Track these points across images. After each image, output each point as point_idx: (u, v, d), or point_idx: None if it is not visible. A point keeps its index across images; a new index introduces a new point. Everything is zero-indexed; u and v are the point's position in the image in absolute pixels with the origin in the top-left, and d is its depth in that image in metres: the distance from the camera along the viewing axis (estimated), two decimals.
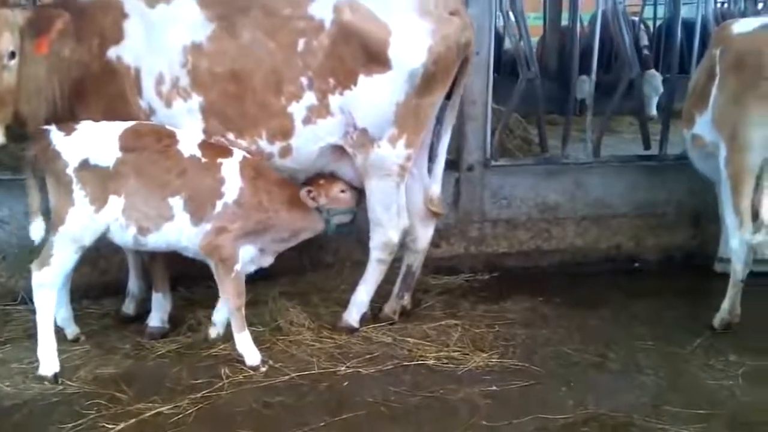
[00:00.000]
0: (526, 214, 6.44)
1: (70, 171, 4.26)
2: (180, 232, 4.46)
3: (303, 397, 4.35)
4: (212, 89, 4.61)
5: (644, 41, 13.98)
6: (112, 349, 4.88)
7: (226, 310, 4.72)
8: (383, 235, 5.02)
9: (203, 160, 4.45)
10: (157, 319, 5.07)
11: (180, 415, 4.10)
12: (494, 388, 4.47)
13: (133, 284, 5.35)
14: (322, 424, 4.07)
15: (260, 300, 5.41)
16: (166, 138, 4.43)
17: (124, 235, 4.42)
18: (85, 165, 4.26)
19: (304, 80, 4.64)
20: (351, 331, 5.12)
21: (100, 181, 4.27)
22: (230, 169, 4.49)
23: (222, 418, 4.12)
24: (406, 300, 5.43)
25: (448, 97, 5.05)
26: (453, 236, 6.32)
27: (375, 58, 4.59)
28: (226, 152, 4.56)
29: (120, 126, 4.38)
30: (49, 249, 4.33)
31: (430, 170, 5.26)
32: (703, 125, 5.36)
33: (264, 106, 4.62)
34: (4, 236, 5.48)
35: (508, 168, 6.40)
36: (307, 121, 4.69)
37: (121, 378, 4.49)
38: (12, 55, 4.35)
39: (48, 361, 4.41)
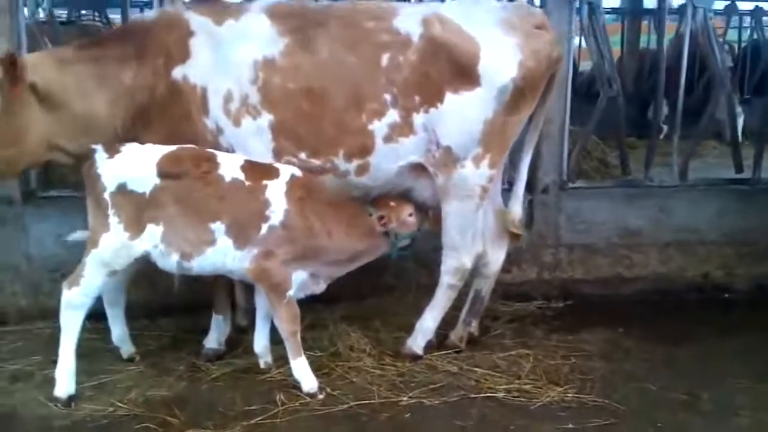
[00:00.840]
0: (605, 239, 6.06)
1: (107, 195, 4.13)
2: (224, 255, 4.26)
3: (362, 427, 4.08)
4: (285, 107, 4.40)
5: (728, 63, 13.45)
6: (166, 371, 4.70)
7: (263, 335, 4.59)
8: (456, 260, 4.74)
9: (246, 183, 4.23)
10: (214, 340, 4.89)
11: None
12: (571, 426, 4.10)
13: (240, 295, 5.18)
14: None
15: (319, 324, 5.21)
16: (206, 162, 4.22)
17: (168, 261, 4.26)
18: (121, 190, 4.12)
19: (387, 97, 4.41)
20: (415, 358, 4.82)
21: (136, 207, 4.12)
22: (275, 190, 4.25)
23: None
24: (474, 327, 5.12)
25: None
26: (525, 261, 6.00)
27: (464, 74, 4.37)
28: (272, 173, 4.30)
29: (160, 151, 4.21)
30: (81, 270, 4.20)
31: (509, 190, 5.04)
32: None
33: (342, 125, 4.41)
34: (64, 254, 5.38)
35: (585, 191, 6.04)
36: (388, 139, 4.47)
37: (173, 401, 4.30)
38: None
39: (64, 382, 4.22)
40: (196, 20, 4.49)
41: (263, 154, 4.46)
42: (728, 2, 13.47)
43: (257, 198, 4.23)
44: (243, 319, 5.26)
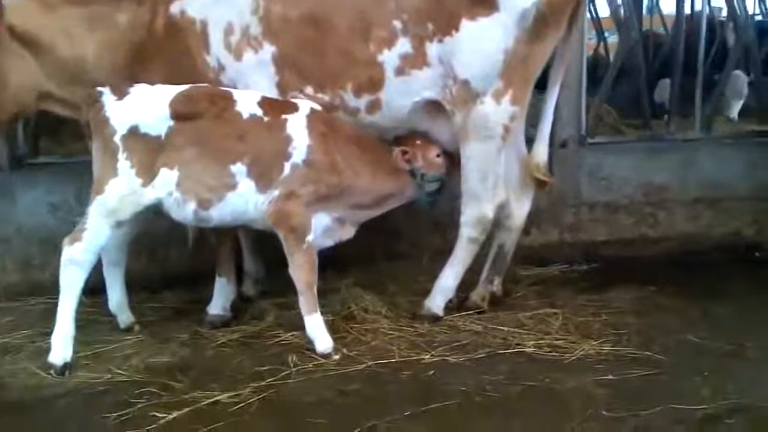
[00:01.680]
0: (629, 197, 5.74)
1: (117, 138, 3.87)
2: (246, 201, 3.99)
3: (383, 386, 3.75)
4: (287, 37, 4.16)
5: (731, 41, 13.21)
6: (168, 339, 4.38)
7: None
8: (477, 209, 4.42)
9: (265, 119, 3.99)
10: (218, 306, 4.58)
11: (241, 404, 3.55)
12: (611, 377, 3.78)
13: (249, 264, 4.97)
14: (407, 413, 3.44)
15: (329, 289, 4.82)
16: (221, 100, 3.99)
17: (183, 211, 3.97)
18: (134, 133, 3.87)
19: (397, 24, 4.12)
20: (434, 319, 4.51)
21: (150, 151, 3.87)
22: (296, 125, 4.01)
23: (289, 407, 3.56)
24: (497, 285, 4.80)
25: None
26: (545, 222, 5.69)
27: None
28: (292, 107, 4.08)
29: (172, 91, 3.97)
30: (83, 222, 3.92)
31: (534, 134, 4.71)
32: None
33: (349, 55, 4.14)
34: (56, 224, 5.09)
35: (606, 146, 5.74)
36: (400, 71, 4.18)
37: (176, 367, 4.00)
38: None
39: (59, 348, 3.90)
40: None
41: (267, 90, 4.25)
42: None
43: (278, 134, 3.98)
44: (251, 287, 5.01)
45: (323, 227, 4.13)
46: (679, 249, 5.81)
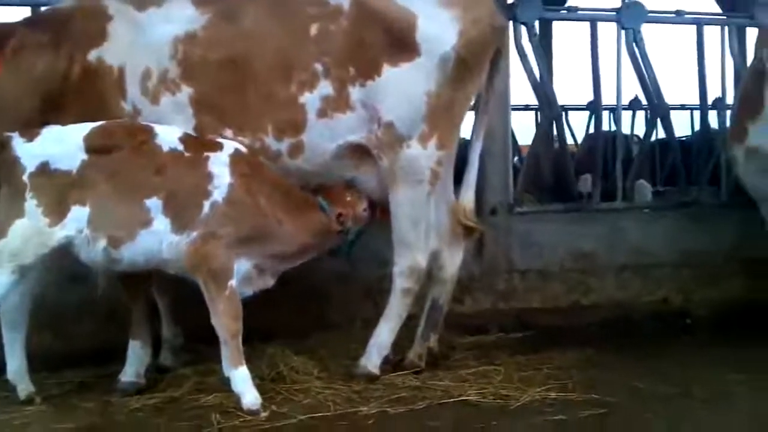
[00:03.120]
0: (559, 263, 5.73)
1: (25, 177, 3.68)
2: (160, 240, 3.76)
3: None
4: (206, 79, 4.11)
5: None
6: (74, 408, 3.92)
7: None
8: (410, 258, 4.30)
9: (186, 154, 3.85)
10: (131, 372, 4.16)
11: None
12: (561, 416, 3.60)
13: (167, 330, 4.63)
14: None
15: (255, 355, 4.40)
16: (141, 133, 3.87)
17: (92, 250, 3.72)
18: (43, 170, 3.70)
19: (318, 66, 4.13)
20: (371, 379, 4.24)
21: (61, 189, 3.69)
22: (219, 163, 3.85)
23: None
24: (433, 342, 4.58)
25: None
26: (478, 290, 5.57)
27: (401, 44, 4.13)
28: (215, 146, 3.95)
29: (87, 126, 3.83)
30: None
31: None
32: (759, 134, 4.86)
33: (270, 96, 4.11)
34: None
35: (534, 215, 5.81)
36: (322, 113, 4.15)
37: (85, 431, 3.55)
38: None
39: None
40: (116, 6, 4.27)
41: None
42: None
43: (198, 171, 3.81)
44: (170, 358, 4.61)
45: (242, 274, 3.88)
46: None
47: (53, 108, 4.12)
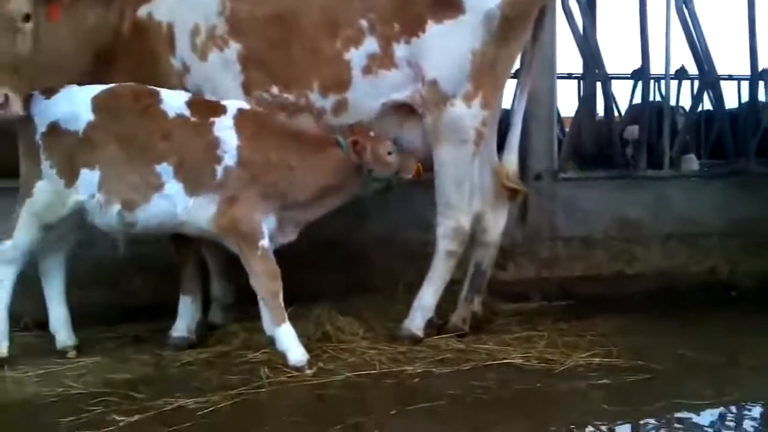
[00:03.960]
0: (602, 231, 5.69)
1: (38, 137, 3.80)
2: (174, 203, 3.82)
3: (364, 391, 3.53)
4: (253, 35, 4.13)
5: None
6: (127, 360, 4.05)
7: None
8: (454, 219, 4.28)
9: (192, 119, 3.87)
10: (182, 328, 4.27)
11: (210, 408, 3.27)
12: (606, 381, 3.61)
13: (216, 289, 4.68)
14: (392, 412, 3.20)
15: (299, 316, 4.39)
16: (146, 97, 3.90)
17: (106, 215, 3.81)
18: (53, 130, 3.79)
19: (364, 23, 4.11)
20: (414, 341, 4.28)
21: (70, 151, 3.78)
22: (224, 126, 3.87)
23: (264, 409, 3.31)
24: (477, 305, 4.59)
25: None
26: (521, 257, 5.56)
27: (445, 1, 4.10)
28: (219, 109, 3.94)
29: (97, 88, 3.90)
30: (15, 222, 3.83)
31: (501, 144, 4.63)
32: None
33: (315, 52, 4.12)
34: None
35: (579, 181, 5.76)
36: (367, 71, 4.14)
37: (138, 381, 3.68)
38: (27, 17, 3.80)
39: None
40: None
41: (233, 91, 4.15)
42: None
43: (205, 136, 3.85)
44: (219, 315, 4.69)
45: (269, 230, 3.90)
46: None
47: (105, 62, 4.21)
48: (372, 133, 4.04)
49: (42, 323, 4.24)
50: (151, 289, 4.87)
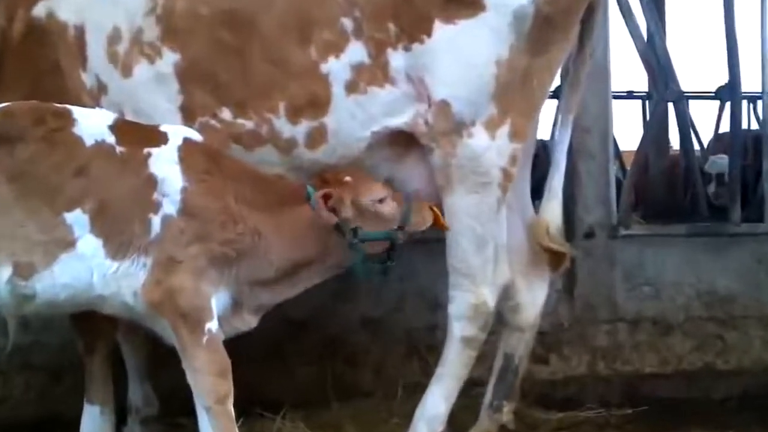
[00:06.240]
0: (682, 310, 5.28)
1: None
2: (89, 268, 3.36)
3: None
4: (196, 41, 3.83)
5: None
6: None
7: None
8: (473, 293, 3.86)
9: (119, 149, 3.45)
10: None
11: None
12: None
13: (136, 392, 4.36)
14: None
15: (255, 430, 4.28)
16: (53, 118, 3.48)
17: None
18: None
19: (347, 22, 3.77)
20: None
21: None
22: (164, 160, 3.47)
23: None
24: (507, 415, 4.14)
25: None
26: (568, 345, 5.19)
27: None
28: (157, 137, 3.55)
29: None
30: None
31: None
32: None
33: (281, 63, 3.80)
34: None
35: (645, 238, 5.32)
36: (352, 87, 3.78)
37: None
38: None
39: None
40: None
41: (169, 116, 3.84)
42: None
43: (137, 173, 3.44)
44: (136, 426, 4.27)
45: (222, 308, 3.51)
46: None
47: None
48: (347, 178, 3.61)
49: None
50: (38, 394, 4.53)
